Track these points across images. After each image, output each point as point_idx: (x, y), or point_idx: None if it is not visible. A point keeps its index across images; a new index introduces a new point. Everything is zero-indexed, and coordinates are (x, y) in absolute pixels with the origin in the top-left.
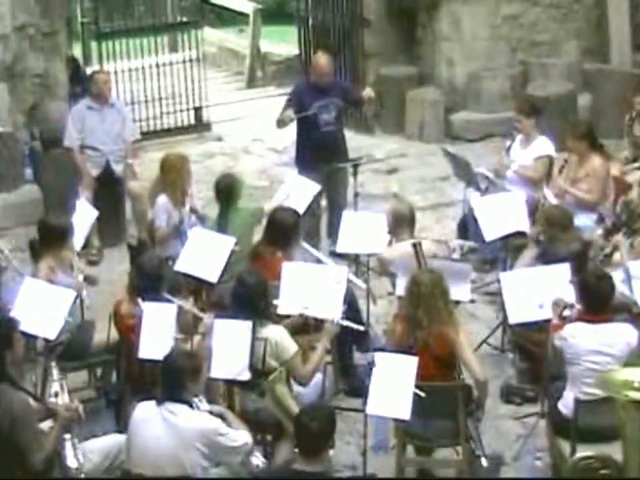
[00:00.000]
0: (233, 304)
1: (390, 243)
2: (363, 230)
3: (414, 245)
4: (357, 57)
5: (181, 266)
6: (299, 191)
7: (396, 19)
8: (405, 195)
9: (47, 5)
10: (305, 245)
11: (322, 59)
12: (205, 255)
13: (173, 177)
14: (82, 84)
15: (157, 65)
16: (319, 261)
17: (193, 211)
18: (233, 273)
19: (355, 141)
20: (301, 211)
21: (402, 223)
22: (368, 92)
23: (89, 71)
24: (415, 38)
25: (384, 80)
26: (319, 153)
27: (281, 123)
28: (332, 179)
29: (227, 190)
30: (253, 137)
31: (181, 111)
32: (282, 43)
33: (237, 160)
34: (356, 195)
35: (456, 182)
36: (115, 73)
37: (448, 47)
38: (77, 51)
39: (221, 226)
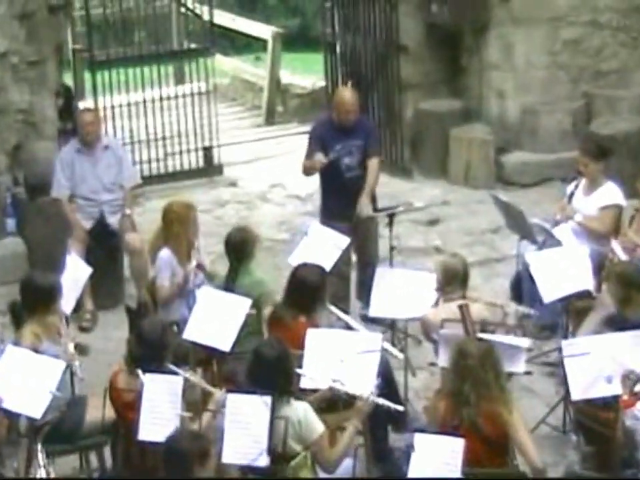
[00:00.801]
0: (249, 380)
1: (437, 303)
2: (399, 290)
3: (460, 307)
4: (393, 88)
5: (187, 332)
6: (324, 245)
7: (437, 45)
8: (448, 248)
9: (33, 29)
10: (332, 308)
11: (346, 94)
12: (215, 319)
13: (177, 228)
14: (74, 120)
15: (161, 99)
16: (348, 327)
17: (200, 267)
18: (246, 343)
19: (389, 187)
20: (327, 268)
21: (453, 280)
22: (363, 207)
23: (80, 105)
24: (460, 66)
25: (424, 115)
26: (344, 201)
27: (310, 170)
28: (361, 230)
29: (239, 246)
30: (271, 182)
31: (188, 151)
32: (305, 72)
33: (253, 209)
34: (391, 248)
35: (508, 234)
36: (112, 108)
37: (498, 76)
38: (68, 82)
39: (229, 286)
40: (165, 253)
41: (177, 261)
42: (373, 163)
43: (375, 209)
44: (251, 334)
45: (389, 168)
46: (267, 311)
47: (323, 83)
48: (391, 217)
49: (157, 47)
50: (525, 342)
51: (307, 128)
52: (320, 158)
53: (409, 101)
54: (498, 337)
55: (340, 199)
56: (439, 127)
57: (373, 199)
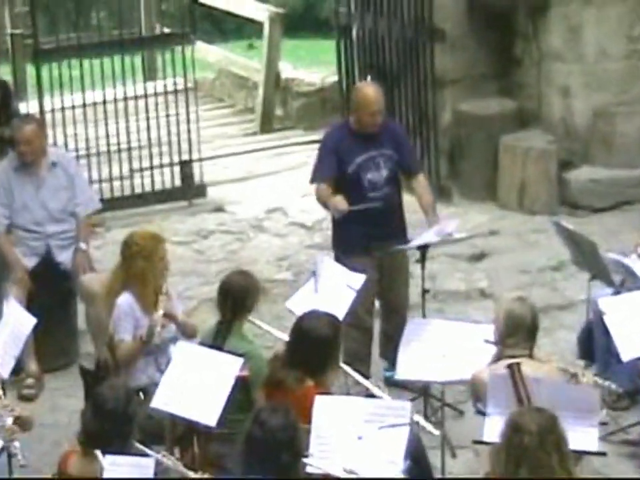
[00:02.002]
0: (245, 457)
1: (497, 360)
2: (434, 346)
3: (510, 368)
4: (425, 85)
5: (159, 401)
6: (337, 287)
7: (483, 29)
8: (497, 291)
9: None
10: (347, 369)
11: (370, 92)
12: (196, 384)
13: (140, 266)
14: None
15: (125, 99)
16: (368, 394)
17: (170, 317)
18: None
19: (421, 212)
20: (340, 317)
21: (517, 331)
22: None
23: (21, 108)
24: (512, 57)
25: (465, 119)
26: (366, 229)
27: (324, 205)
28: (386, 268)
29: (239, 296)
30: (268, 206)
31: (161, 167)
32: (312, 65)
33: (246, 241)
34: (424, 292)
35: (575, 273)
36: (62, 110)
37: (562, 69)
38: (6, 77)
39: (217, 345)
40: (125, 299)
41: (140, 309)
42: (421, 180)
43: (406, 240)
44: (240, 410)
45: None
46: (257, 394)
47: (334, 78)
48: (424, 250)
49: (121, 32)
50: (595, 395)
51: (316, 136)
52: (339, 205)
53: (446, 101)
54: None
55: (360, 227)
56: (486, 134)
57: (403, 229)
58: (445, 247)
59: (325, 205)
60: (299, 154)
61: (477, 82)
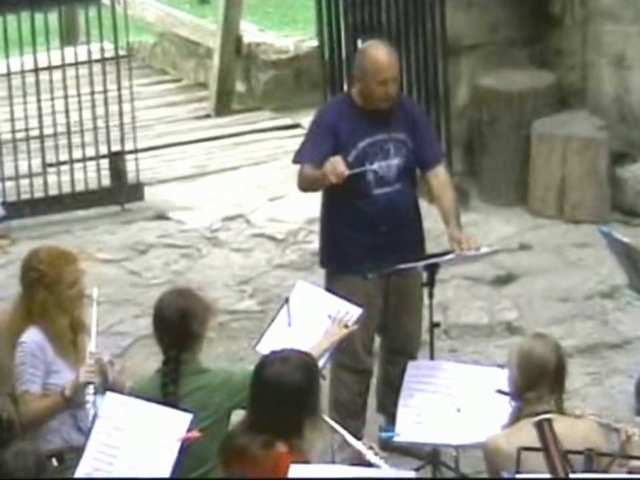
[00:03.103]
0: None
1: (515, 419)
2: (444, 397)
3: (540, 426)
4: (433, 53)
5: (84, 468)
6: (319, 320)
7: None
8: (528, 325)
9: None
10: (334, 426)
11: (380, 54)
12: (133, 447)
13: (42, 297)
14: None
15: (37, 70)
16: (361, 460)
17: (95, 359)
18: None
19: (433, 220)
20: (321, 361)
21: (539, 381)
22: (463, 239)
23: None
24: (549, 16)
25: (487, 98)
26: (367, 239)
27: (314, 184)
28: (393, 294)
29: (178, 323)
30: (227, 211)
31: (85, 160)
32: (284, 25)
33: (196, 258)
34: (433, 326)
35: (632, 300)
36: None
37: (616, 32)
38: None
39: (168, 393)
40: (32, 337)
41: (53, 350)
42: (441, 175)
43: (421, 256)
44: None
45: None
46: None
47: (313, 43)
48: (433, 271)
49: None
50: None
51: (289, 119)
52: (338, 164)
53: (461, 74)
54: None
55: (360, 235)
56: (514, 117)
57: (420, 241)
58: (461, 267)
59: (312, 185)
60: (266, 143)
61: (502, 48)
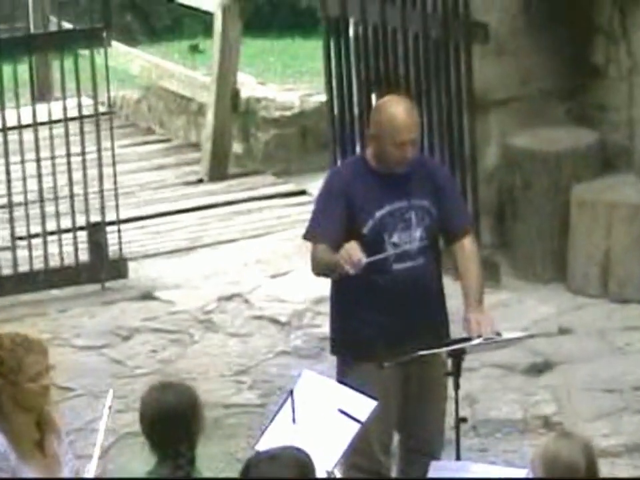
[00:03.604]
0: None
1: None
2: None
3: None
4: (459, 107)
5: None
6: (328, 416)
7: (545, 24)
8: (567, 422)
9: None
10: None
11: (398, 111)
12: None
13: (10, 380)
14: None
15: (4, 129)
16: None
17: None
18: None
19: (459, 299)
20: (331, 461)
21: None
22: (479, 325)
23: None
24: (590, 65)
25: (520, 160)
26: (384, 320)
27: (327, 270)
28: (414, 385)
29: (169, 422)
30: (222, 290)
31: (60, 232)
32: (288, 77)
33: (187, 345)
34: (460, 421)
35: None
36: None
37: None
38: None
39: None
40: None
41: (16, 453)
42: (467, 246)
43: (446, 341)
44: None
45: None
46: None
47: (321, 98)
48: (458, 358)
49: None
50: None
51: (292, 185)
52: (353, 251)
53: (490, 132)
54: None
55: (379, 316)
56: (551, 181)
57: (445, 322)
58: (491, 353)
59: (326, 269)
60: (267, 212)
61: (537, 103)
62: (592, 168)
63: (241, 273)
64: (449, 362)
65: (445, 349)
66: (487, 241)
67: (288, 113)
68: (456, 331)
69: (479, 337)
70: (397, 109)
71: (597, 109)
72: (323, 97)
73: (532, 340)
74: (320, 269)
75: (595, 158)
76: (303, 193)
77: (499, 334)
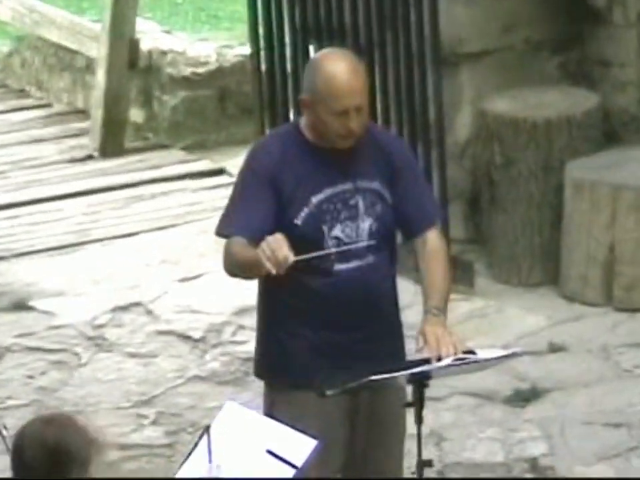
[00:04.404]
0: None
1: None
2: None
3: None
4: (421, 63)
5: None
6: (254, 458)
7: None
8: (562, 463)
9: None
10: None
11: (339, 69)
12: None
13: None
14: None
15: None
16: None
17: None
18: None
19: (414, 307)
20: None
21: None
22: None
23: None
24: (589, 8)
25: (500, 127)
26: (324, 338)
27: (243, 268)
28: (364, 418)
29: (47, 467)
30: (118, 299)
31: None
32: (202, 23)
33: (72, 367)
34: (423, 465)
35: None
36: None
37: None
38: None
39: None
40: None
41: None
42: (432, 241)
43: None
44: None
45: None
46: None
47: (244, 50)
48: (421, 384)
49: None
50: None
51: (209, 162)
52: (278, 247)
53: (462, 94)
54: None
55: (318, 331)
56: (539, 157)
57: (400, 339)
58: (464, 378)
59: (243, 268)
60: (175, 198)
61: (522, 57)
62: (591, 140)
63: (142, 275)
64: (409, 389)
65: (403, 373)
66: (458, 234)
67: (201, 70)
68: (411, 348)
69: (438, 359)
70: (337, 66)
71: (597, 64)
72: (246, 50)
73: (516, 360)
74: (234, 266)
75: (594, 127)
76: (220, 172)
77: (472, 352)
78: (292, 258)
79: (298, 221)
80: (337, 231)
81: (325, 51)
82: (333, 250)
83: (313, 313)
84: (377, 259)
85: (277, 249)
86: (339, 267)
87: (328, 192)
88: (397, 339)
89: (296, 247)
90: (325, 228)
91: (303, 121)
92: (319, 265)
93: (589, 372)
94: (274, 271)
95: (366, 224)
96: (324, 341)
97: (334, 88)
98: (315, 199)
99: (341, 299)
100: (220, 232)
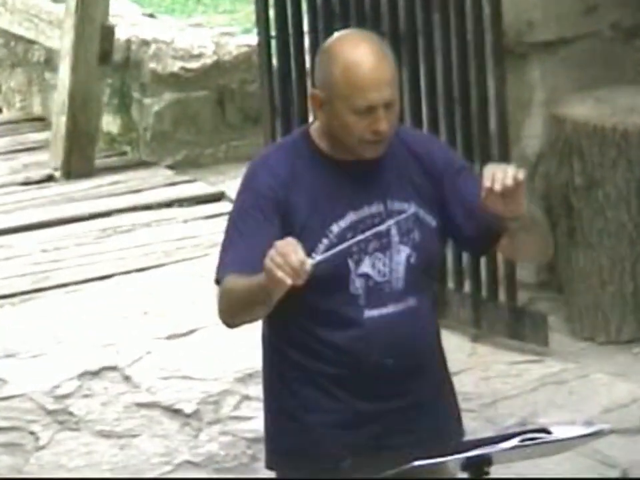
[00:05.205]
0: None
1: None
2: None
3: None
4: (478, 55)
5: None
6: None
7: None
8: None
9: None
10: None
11: (364, 57)
12: None
13: None
14: None
15: None
16: None
17: None
18: None
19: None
20: None
21: None
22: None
23: None
24: None
25: (582, 137)
26: (351, 408)
27: (241, 309)
28: None
29: None
30: (89, 360)
31: None
32: (193, 6)
33: (30, 451)
34: None
35: None
36: None
37: None
38: None
39: None
40: None
41: None
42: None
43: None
44: None
45: (467, 312)
46: None
47: (249, 40)
48: (480, 471)
49: None
50: None
51: (205, 186)
52: (290, 250)
53: (532, 94)
54: None
55: (341, 400)
56: (633, 175)
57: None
58: (535, 463)
59: (246, 300)
60: (160, 230)
61: (610, 46)
62: None
63: (118, 331)
64: (464, 477)
65: (454, 457)
66: (527, 277)
67: (194, 65)
68: (473, 424)
69: (491, 189)
70: (359, 50)
71: None
72: (252, 39)
73: (602, 440)
74: (234, 304)
75: None
76: (219, 197)
77: (547, 431)
78: (310, 261)
79: (316, 256)
80: (366, 267)
81: (341, 32)
82: (370, 232)
83: (336, 378)
84: (419, 302)
85: (289, 253)
86: (370, 312)
87: (352, 217)
88: (446, 409)
89: (314, 289)
90: (350, 263)
91: (315, 126)
92: (343, 311)
93: None
94: (289, 282)
95: (402, 256)
96: (352, 413)
97: (357, 78)
98: (335, 228)
99: (374, 358)
100: (217, 276)
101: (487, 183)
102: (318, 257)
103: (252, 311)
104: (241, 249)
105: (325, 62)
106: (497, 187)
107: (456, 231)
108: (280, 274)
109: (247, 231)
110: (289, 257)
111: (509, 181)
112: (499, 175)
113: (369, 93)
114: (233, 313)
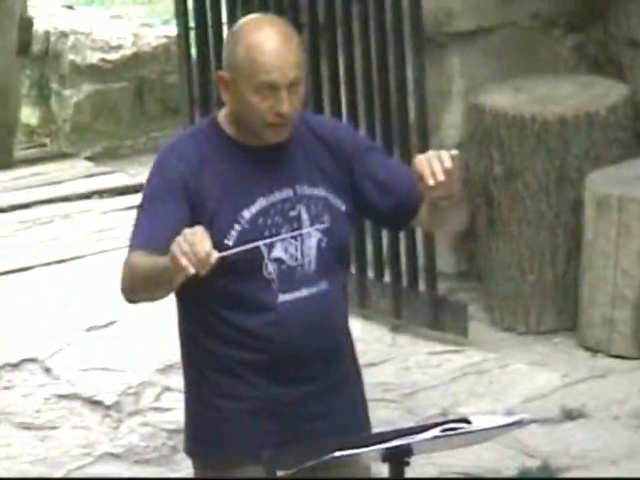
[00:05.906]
0: None
1: None
2: None
3: None
4: (398, 43)
5: None
6: None
7: None
8: None
9: None
10: None
11: (269, 37)
12: None
13: None
14: None
15: None
16: None
17: None
18: None
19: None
20: None
21: None
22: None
23: None
24: None
25: (501, 128)
26: (267, 396)
27: (144, 284)
28: None
29: None
30: (7, 353)
31: None
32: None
33: None
34: None
35: None
36: None
37: None
38: None
39: None
40: None
41: None
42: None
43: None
44: None
45: (388, 302)
46: None
47: (169, 30)
48: (400, 462)
49: None
50: None
51: (120, 177)
52: (198, 239)
53: (452, 84)
54: None
55: (259, 387)
56: (551, 166)
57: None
58: (456, 453)
59: (148, 279)
60: (79, 222)
61: (529, 37)
62: (618, 144)
63: (37, 323)
64: (386, 467)
65: (376, 447)
66: (447, 268)
67: (113, 57)
68: (393, 415)
69: (431, 186)
70: (263, 31)
71: (625, 45)
72: (171, 29)
73: (522, 430)
74: (136, 280)
75: (622, 127)
76: (138, 189)
77: (467, 421)
78: (216, 254)
79: (229, 242)
80: (279, 251)
81: (249, 16)
82: (269, 240)
83: (252, 364)
84: (331, 286)
85: (197, 242)
86: (283, 297)
87: (262, 203)
88: (358, 393)
89: (228, 275)
90: (263, 248)
91: (223, 113)
92: (257, 296)
93: (616, 445)
94: (193, 270)
95: (313, 240)
96: (268, 399)
97: (259, 56)
98: (246, 213)
99: (288, 342)
100: (127, 264)
101: (429, 181)
102: (224, 252)
103: (153, 290)
104: (148, 228)
105: (230, 43)
106: (441, 177)
107: (370, 208)
108: (184, 261)
109: (155, 212)
110: (196, 247)
111: (448, 164)
112: (436, 167)
113: (272, 71)
114: (134, 288)
